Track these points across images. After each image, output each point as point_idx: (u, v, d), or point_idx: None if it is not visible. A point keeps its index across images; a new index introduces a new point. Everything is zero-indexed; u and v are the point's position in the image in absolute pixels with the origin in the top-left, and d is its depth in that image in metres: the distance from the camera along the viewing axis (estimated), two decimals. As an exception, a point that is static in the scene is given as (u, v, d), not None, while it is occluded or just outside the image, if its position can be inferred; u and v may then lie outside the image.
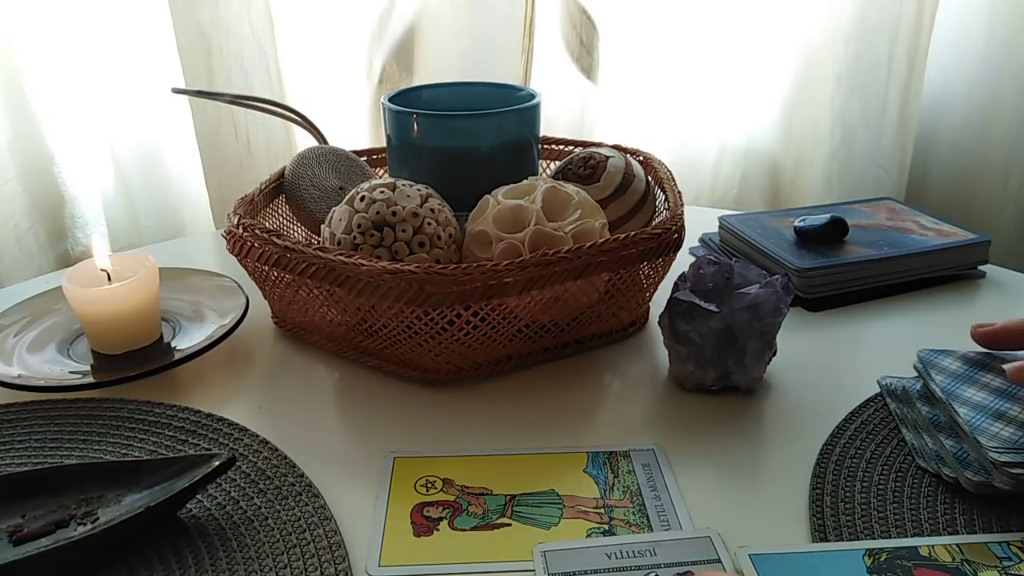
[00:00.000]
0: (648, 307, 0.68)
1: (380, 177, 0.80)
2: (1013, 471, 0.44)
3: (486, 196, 0.60)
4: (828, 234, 0.74)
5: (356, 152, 0.80)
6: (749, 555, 0.42)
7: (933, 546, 0.42)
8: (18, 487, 0.46)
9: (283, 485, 0.48)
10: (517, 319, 0.57)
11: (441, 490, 0.49)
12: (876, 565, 0.41)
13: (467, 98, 0.73)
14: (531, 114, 0.68)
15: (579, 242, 0.56)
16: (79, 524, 0.44)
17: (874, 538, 0.43)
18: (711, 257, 0.58)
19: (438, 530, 0.46)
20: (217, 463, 0.45)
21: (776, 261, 0.72)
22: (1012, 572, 0.41)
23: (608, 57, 1.13)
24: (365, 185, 0.59)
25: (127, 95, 0.99)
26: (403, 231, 0.57)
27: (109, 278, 0.62)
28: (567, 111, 1.16)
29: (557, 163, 0.75)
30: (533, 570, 0.42)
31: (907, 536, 0.44)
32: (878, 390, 0.56)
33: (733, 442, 0.53)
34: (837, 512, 0.45)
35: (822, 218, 0.75)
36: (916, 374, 0.55)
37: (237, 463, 0.49)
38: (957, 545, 0.42)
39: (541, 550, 0.43)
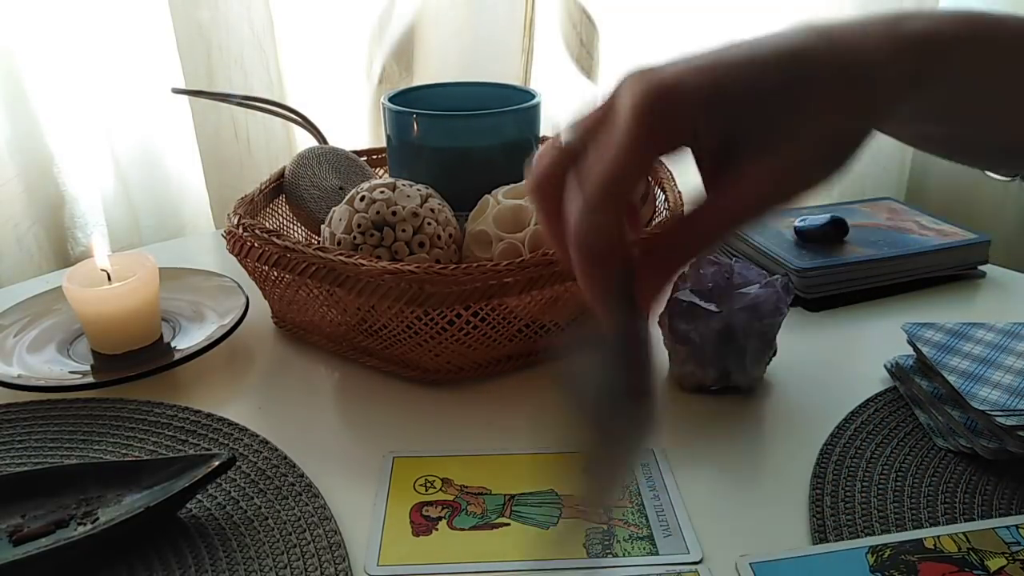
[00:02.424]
0: (648, 307, 0.68)
1: (380, 177, 0.80)
2: (1021, 434, 0.46)
3: (486, 196, 0.60)
4: (828, 234, 0.74)
5: (356, 152, 0.80)
6: (750, 563, 0.41)
7: (939, 537, 0.41)
8: (18, 487, 0.46)
9: (283, 485, 0.48)
10: (517, 319, 0.57)
11: (440, 489, 0.49)
12: (879, 563, 0.40)
13: (467, 98, 0.73)
14: (531, 114, 0.68)
15: (579, 242, 0.56)
16: (79, 524, 0.44)
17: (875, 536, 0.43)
18: (711, 257, 0.58)
19: (437, 530, 0.45)
20: (217, 463, 0.45)
21: (776, 261, 0.72)
22: (1021, 557, 0.40)
23: (608, 57, 1.13)
24: (365, 185, 0.59)
25: (127, 95, 0.99)
26: (403, 231, 0.57)
27: (109, 278, 0.62)
28: (567, 111, 1.16)
29: (557, 163, 0.75)
30: (532, 569, 0.42)
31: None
32: (879, 389, 0.56)
33: (733, 442, 0.53)
34: (837, 512, 0.45)
35: (822, 218, 0.75)
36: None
37: (237, 463, 0.49)
38: (963, 534, 0.41)
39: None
